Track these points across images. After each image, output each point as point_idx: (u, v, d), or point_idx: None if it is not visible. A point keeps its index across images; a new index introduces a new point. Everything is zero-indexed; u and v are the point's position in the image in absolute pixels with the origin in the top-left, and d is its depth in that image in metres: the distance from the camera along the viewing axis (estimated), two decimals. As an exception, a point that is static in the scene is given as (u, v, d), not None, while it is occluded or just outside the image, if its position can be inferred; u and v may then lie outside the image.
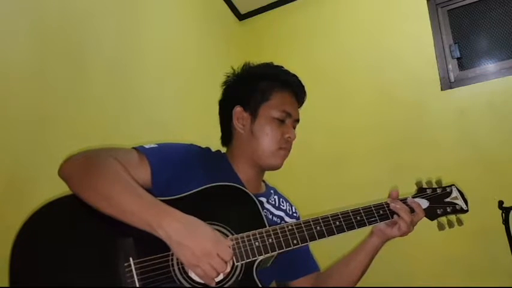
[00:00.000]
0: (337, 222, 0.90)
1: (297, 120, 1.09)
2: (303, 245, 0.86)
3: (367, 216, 0.93)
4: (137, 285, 0.73)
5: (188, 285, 0.77)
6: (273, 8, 2.78)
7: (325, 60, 2.52)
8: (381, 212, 0.94)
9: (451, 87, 2.16)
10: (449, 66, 2.20)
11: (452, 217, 0.99)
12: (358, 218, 0.92)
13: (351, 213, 0.92)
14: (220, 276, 0.77)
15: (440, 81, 2.19)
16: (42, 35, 1.27)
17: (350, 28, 2.50)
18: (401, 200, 0.97)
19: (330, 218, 0.90)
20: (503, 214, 1.81)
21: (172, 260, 0.78)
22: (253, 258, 0.81)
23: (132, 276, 0.74)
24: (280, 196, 1.14)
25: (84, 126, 1.35)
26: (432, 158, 2.09)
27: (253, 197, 0.89)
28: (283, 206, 1.11)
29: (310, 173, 2.39)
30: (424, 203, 0.98)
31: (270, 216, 1.03)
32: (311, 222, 0.88)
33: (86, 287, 0.73)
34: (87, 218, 0.77)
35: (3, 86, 1.11)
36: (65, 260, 0.74)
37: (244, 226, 0.84)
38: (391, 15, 2.39)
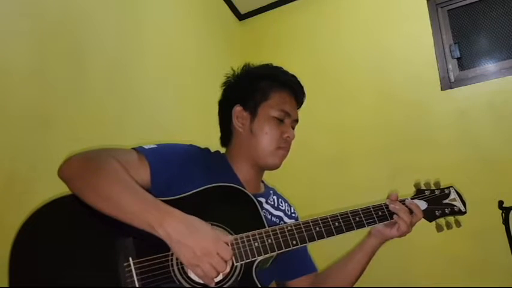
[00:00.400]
0: (336, 223, 0.90)
1: (296, 121, 1.09)
2: (302, 245, 0.86)
3: (366, 217, 0.93)
4: (137, 285, 0.73)
5: (188, 286, 0.77)
6: (273, 8, 2.78)
7: (325, 60, 2.52)
8: (380, 213, 0.95)
9: (451, 87, 2.16)
10: (449, 66, 2.20)
11: (451, 218, 0.99)
12: (357, 219, 0.92)
13: (349, 215, 0.92)
14: (220, 277, 0.77)
15: (440, 81, 2.19)
16: (43, 35, 1.27)
17: (350, 28, 2.50)
18: (400, 201, 0.97)
19: (329, 219, 0.90)
20: (503, 214, 1.82)
21: (171, 260, 0.78)
22: (253, 259, 0.81)
23: (132, 276, 0.74)
24: (279, 196, 1.14)
25: (84, 126, 1.35)
26: (432, 158, 2.08)
27: (253, 197, 0.89)
28: (282, 206, 1.11)
29: (310, 173, 2.39)
30: (423, 205, 0.99)
31: (269, 217, 1.04)
32: (310, 223, 0.89)
33: (86, 287, 0.73)
34: (87, 218, 0.78)
35: (3, 85, 1.11)
36: (64, 260, 0.74)
37: (243, 226, 0.84)
38: (391, 15, 2.39)
